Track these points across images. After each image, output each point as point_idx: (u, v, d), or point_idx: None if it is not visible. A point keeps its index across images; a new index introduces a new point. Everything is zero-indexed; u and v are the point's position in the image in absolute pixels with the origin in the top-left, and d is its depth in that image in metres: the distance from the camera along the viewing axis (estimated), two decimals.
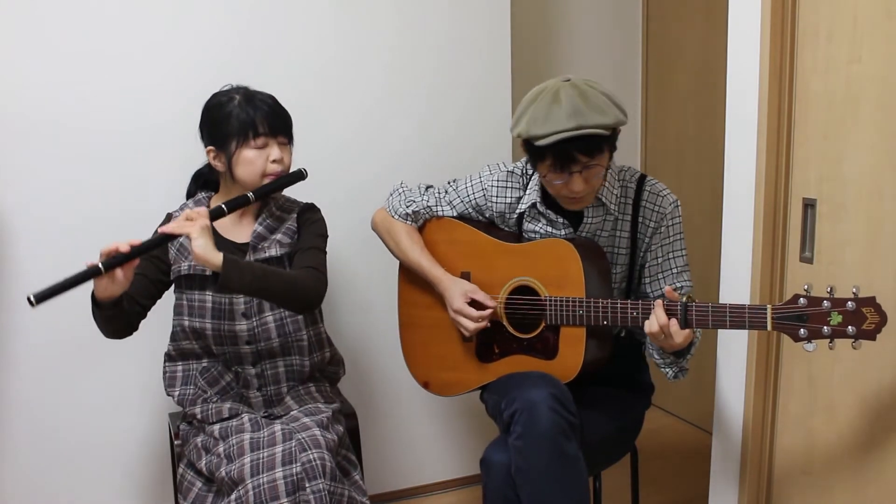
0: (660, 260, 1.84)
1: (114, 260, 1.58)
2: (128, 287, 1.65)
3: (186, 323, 1.84)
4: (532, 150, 1.70)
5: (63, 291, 1.53)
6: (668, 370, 1.81)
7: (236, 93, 1.82)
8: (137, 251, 1.62)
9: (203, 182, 1.97)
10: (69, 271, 1.55)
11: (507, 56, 2.54)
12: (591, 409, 1.77)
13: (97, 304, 1.68)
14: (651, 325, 1.62)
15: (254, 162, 1.79)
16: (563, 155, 1.65)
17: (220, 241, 1.78)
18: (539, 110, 1.65)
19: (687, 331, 1.62)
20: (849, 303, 1.49)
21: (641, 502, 2.17)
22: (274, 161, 1.80)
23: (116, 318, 1.73)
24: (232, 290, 1.72)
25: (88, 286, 1.62)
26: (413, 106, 2.45)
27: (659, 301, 1.63)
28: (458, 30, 2.47)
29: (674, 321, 1.61)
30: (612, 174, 1.82)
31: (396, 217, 2.00)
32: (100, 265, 1.57)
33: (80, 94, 2.12)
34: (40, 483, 2.21)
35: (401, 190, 2.04)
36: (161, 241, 1.68)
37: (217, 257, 1.62)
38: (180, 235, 1.66)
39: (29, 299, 1.50)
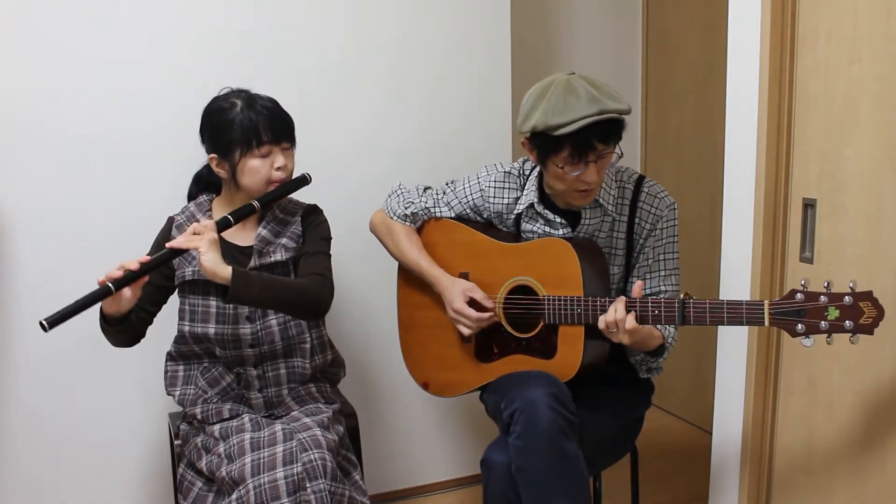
0: (650, 261, 1.84)
1: (123, 279, 1.59)
2: (135, 302, 1.67)
3: (187, 329, 1.85)
4: (548, 142, 1.69)
5: (75, 314, 1.53)
6: (638, 367, 1.88)
7: (237, 98, 1.79)
8: (146, 269, 1.63)
9: (204, 184, 1.97)
10: (80, 293, 1.55)
11: (507, 56, 2.54)
12: (591, 408, 1.77)
13: (106, 319, 1.70)
14: (607, 317, 1.65)
15: (259, 171, 1.78)
16: (583, 143, 1.65)
17: (224, 246, 1.78)
18: (555, 101, 1.65)
19: (633, 328, 1.63)
20: (846, 297, 1.49)
21: (641, 502, 2.16)
22: (278, 168, 1.80)
23: (125, 332, 1.75)
24: (241, 303, 1.72)
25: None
26: (413, 107, 2.45)
27: (623, 297, 1.66)
28: (459, 30, 2.47)
29: (630, 317, 1.63)
30: (610, 175, 1.82)
31: (395, 218, 2.00)
32: (110, 285, 1.58)
33: (80, 96, 2.12)
34: (40, 483, 2.21)
35: (399, 191, 2.04)
36: (170, 257, 1.69)
37: (226, 271, 1.63)
38: (188, 250, 1.66)
39: (42, 325, 1.50)
